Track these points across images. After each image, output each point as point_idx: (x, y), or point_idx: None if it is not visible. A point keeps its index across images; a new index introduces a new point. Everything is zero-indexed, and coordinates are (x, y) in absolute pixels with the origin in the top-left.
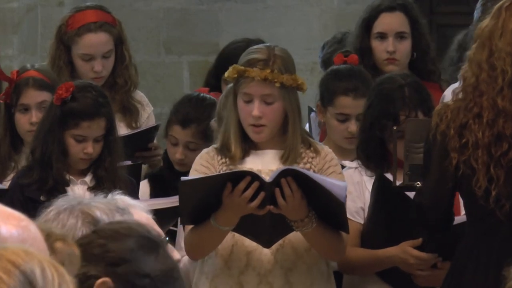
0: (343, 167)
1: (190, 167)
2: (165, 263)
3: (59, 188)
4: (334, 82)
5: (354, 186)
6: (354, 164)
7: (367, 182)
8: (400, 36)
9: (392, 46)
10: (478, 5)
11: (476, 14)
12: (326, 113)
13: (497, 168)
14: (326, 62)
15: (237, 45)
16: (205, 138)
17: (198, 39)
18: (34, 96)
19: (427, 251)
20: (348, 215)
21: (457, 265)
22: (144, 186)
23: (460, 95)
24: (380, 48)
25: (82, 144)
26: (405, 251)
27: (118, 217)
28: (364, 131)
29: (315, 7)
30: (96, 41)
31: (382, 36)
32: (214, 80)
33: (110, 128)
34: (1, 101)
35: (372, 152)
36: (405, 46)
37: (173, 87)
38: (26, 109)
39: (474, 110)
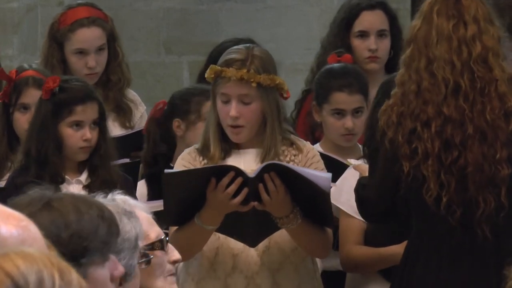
0: (346, 166)
1: None
2: (68, 211)
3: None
4: (328, 79)
5: None
6: (359, 162)
7: None
8: (381, 34)
9: (375, 44)
10: None
11: None
12: (322, 112)
13: (447, 175)
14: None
15: (227, 45)
16: None
17: (198, 39)
18: (34, 96)
19: None
20: (352, 213)
21: (408, 258)
22: (142, 187)
23: (400, 99)
24: (362, 47)
25: (80, 131)
26: None
27: (125, 220)
28: (370, 129)
29: (315, 7)
30: (89, 35)
31: (364, 34)
32: (205, 81)
33: (102, 113)
34: (0, 100)
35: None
36: (386, 44)
37: (173, 87)
38: (26, 108)
39: (421, 117)
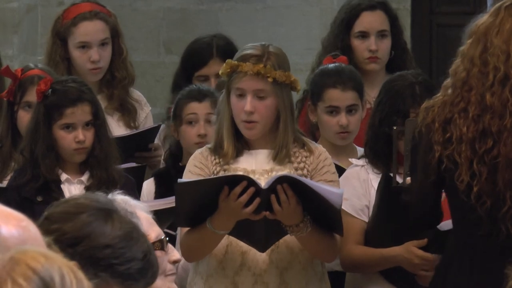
0: (342, 168)
1: None
2: (121, 227)
3: (52, 187)
4: (322, 78)
5: (360, 184)
6: (361, 162)
7: (373, 180)
8: (381, 34)
9: (375, 44)
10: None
11: None
12: (317, 111)
13: (480, 165)
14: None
15: (200, 42)
16: None
17: None
18: None
19: (432, 251)
20: (353, 213)
21: (444, 261)
22: (150, 185)
23: (449, 90)
24: (362, 47)
25: (73, 133)
26: (410, 251)
27: None
28: (372, 128)
29: (315, 7)
30: (92, 28)
31: (364, 35)
32: (185, 82)
33: (97, 113)
34: (5, 99)
35: (380, 149)
36: (386, 44)
37: None
38: (30, 106)
39: (461, 105)
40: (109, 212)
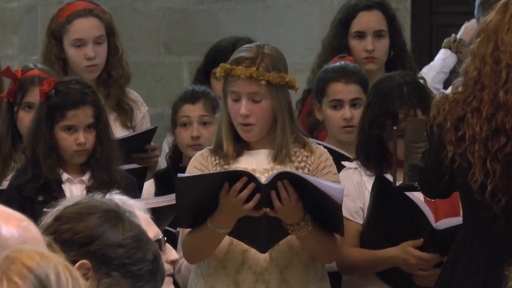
0: (343, 166)
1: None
2: (132, 229)
3: (53, 187)
4: (326, 73)
5: (354, 186)
6: (353, 164)
7: (367, 182)
8: (378, 34)
9: (371, 44)
10: (477, 4)
11: (477, 15)
12: (322, 107)
13: (493, 163)
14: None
15: (225, 42)
16: (216, 112)
17: (198, 39)
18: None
19: (428, 251)
20: (348, 215)
21: (451, 258)
22: (150, 186)
23: (460, 89)
24: (359, 47)
25: (74, 135)
26: (406, 252)
27: None
28: (363, 130)
29: (315, 7)
30: (86, 25)
31: (361, 35)
32: (204, 78)
33: (99, 116)
34: (5, 99)
35: (371, 151)
36: (384, 44)
37: (173, 87)
38: (30, 107)
39: (473, 103)
40: (119, 215)
